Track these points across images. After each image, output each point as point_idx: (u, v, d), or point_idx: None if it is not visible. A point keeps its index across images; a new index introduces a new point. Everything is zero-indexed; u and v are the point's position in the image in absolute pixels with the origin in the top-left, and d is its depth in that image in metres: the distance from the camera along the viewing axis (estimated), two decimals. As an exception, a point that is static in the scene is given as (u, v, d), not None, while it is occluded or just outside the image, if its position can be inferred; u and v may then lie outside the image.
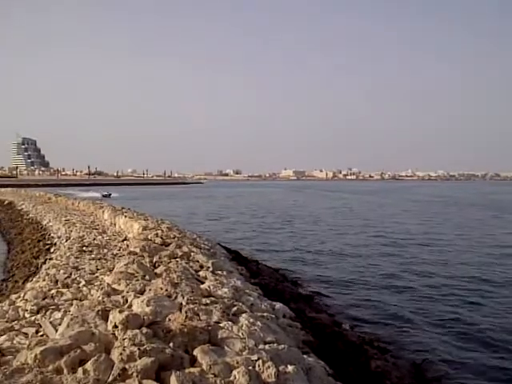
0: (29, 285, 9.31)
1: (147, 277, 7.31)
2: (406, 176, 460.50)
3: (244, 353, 4.24)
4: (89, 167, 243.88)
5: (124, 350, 3.72)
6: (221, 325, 4.91)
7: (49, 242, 16.31)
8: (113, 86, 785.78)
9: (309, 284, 14.21)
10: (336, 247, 22.08)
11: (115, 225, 18.77)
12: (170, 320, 4.66)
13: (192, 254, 10.09)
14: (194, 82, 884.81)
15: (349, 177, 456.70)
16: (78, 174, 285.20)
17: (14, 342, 4.90)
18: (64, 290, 7.61)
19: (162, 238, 11.81)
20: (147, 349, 3.72)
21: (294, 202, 66.06)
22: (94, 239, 14.90)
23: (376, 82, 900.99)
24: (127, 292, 6.18)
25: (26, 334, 5.21)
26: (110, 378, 3.36)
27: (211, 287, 7.02)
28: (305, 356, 5.31)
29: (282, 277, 14.58)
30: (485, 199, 74.61)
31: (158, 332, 4.36)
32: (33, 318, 5.99)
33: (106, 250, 12.62)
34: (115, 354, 3.70)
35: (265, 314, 6.45)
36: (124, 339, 3.93)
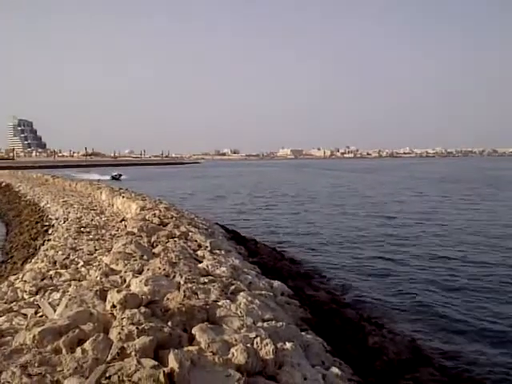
0: (27, 266, 9.35)
1: (145, 257, 7.32)
2: (404, 153, 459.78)
3: (242, 330, 4.25)
4: (86, 148, 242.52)
5: (122, 329, 3.73)
6: (219, 303, 4.92)
7: (47, 224, 16.30)
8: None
9: (307, 262, 14.28)
10: (336, 226, 22.10)
11: (113, 205, 18.75)
12: (168, 299, 4.67)
13: (190, 233, 10.10)
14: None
15: (346, 155, 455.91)
16: (75, 155, 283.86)
17: (13, 322, 4.91)
18: (62, 271, 7.63)
19: (159, 218, 11.80)
20: (145, 328, 3.73)
21: (294, 181, 65.82)
22: (92, 220, 14.90)
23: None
24: (125, 272, 6.19)
25: (24, 315, 5.22)
26: (109, 357, 3.36)
27: (209, 266, 7.04)
28: (303, 333, 5.36)
29: (281, 255, 14.62)
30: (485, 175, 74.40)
31: (157, 311, 4.37)
32: (31, 299, 6.01)
33: (103, 231, 12.63)
34: (113, 334, 3.71)
35: (263, 292, 6.48)
36: (122, 318, 3.93)
